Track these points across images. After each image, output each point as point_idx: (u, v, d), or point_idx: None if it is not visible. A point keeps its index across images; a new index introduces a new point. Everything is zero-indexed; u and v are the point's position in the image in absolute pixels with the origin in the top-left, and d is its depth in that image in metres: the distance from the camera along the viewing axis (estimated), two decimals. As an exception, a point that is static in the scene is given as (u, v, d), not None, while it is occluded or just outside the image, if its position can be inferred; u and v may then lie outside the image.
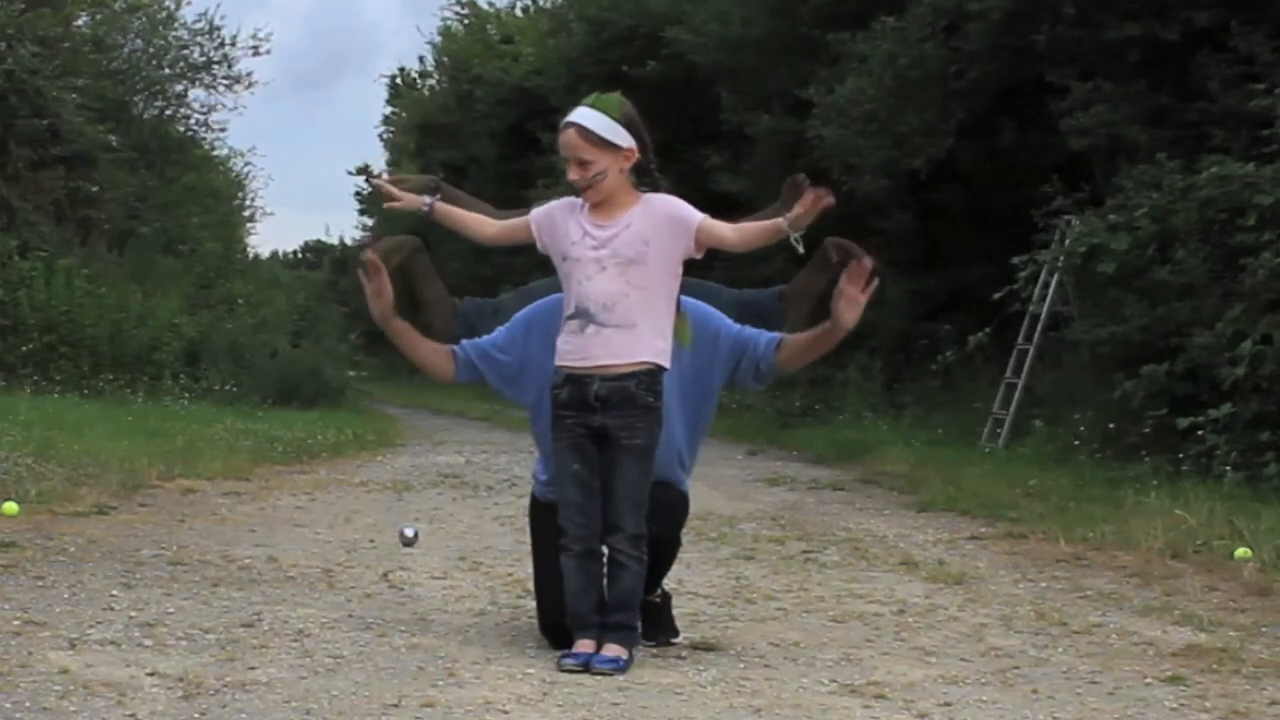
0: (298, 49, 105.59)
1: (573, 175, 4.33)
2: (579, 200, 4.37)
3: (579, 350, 4.29)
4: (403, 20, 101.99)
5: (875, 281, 4.41)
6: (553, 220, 4.39)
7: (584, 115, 4.31)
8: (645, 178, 4.38)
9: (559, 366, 4.34)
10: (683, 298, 4.45)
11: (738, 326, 4.61)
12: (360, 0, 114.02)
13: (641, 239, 4.27)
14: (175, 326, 17.91)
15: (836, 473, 11.66)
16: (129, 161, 20.16)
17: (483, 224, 4.51)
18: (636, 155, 4.33)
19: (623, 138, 4.30)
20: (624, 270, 4.26)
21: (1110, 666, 4.48)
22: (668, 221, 4.29)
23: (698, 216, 4.30)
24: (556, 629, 4.44)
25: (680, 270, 4.34)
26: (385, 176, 4.76)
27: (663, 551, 4.56)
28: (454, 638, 4.62)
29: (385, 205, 4.55)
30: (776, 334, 4.60)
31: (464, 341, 4.68)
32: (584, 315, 4.28)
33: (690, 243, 4.29)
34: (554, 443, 4.40)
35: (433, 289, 4.81)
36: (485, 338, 4.66)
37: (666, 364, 4.32)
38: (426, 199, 4.49)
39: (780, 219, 4.16)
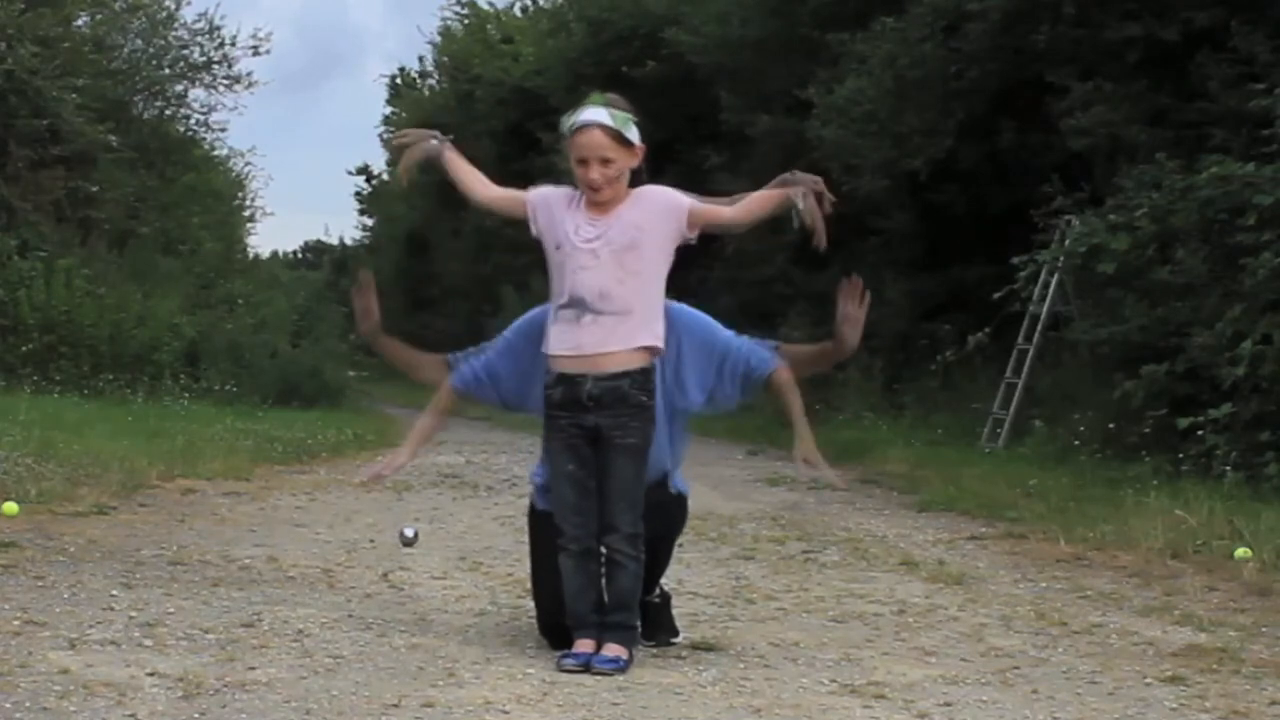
0: (288, 49, 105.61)
1: (594, 174, 4.30)
2: (575, 193, 4.39)
3: (572, 340, 4.30)
4: (389, 21, 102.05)
5: (867, 295, 4.44)
6: (550, 207, 4.42)
7: (606, 115, 4.33)
8: (636, 176, 4.43)
9: (551, 361, 4.34)
10: (684, 307, 4.48)
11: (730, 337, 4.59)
12: (350, 1, 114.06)
13: (635, 225, 4.30)
14: (175, 326, 17.87)
15: (836, 473, 11.62)
16: (129, 161, 20.10)
17: (485, 185, 4.58)
18: (642, 153, 4.37)
19: (636, 136, 4.36)
20: (619, 257, 4.28)
21: (1110, 666, 4.49)
22: (659, 208, 4.35)
23: (688, 200, 4.36)
24: (556, 629, 4.44)
25: (672, 256, 4.37)
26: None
27: (657, 552, 4.55)
28: (454, 638, 4.62)
29: (395, 141, 4.87)
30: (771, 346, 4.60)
31: (462, 360, 4.67)
32: (578, 304, 4.29)
33: (682, 225, 4.33)
34: (548, 443, 4.40)
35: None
36: (480, 359, 4.64)
37: (661, 345, 4.34)
38: (436, 140, 4.61)
39: (791, 191, 4.20)
